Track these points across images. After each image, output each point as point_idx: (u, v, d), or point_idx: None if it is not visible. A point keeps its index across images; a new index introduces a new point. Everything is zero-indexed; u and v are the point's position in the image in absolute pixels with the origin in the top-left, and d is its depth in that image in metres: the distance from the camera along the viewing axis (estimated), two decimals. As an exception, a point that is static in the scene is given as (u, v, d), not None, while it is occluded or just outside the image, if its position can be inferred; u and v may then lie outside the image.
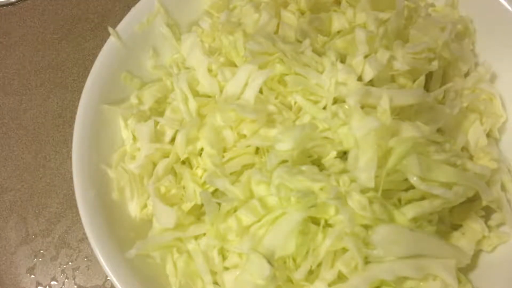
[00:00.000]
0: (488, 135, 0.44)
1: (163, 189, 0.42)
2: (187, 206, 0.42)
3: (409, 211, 0.38)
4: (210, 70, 0.46)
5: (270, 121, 0.42)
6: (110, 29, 0.46)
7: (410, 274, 0.36)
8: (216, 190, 0.41)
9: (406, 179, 0.38)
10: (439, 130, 0.42)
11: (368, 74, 0.43)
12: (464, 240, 0.39)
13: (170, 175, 0.43)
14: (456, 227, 0.40)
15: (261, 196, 0.39)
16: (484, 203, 0.40)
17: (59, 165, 0.55)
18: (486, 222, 0.40)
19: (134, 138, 0.45)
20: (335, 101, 0.42)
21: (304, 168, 0.39)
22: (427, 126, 0.40)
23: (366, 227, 0.37)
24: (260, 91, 0.43)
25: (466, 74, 0.46)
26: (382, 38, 0.45)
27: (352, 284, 0.36)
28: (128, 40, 0.47)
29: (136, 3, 0.48)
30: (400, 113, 0.42)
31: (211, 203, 0.40)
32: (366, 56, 0.43)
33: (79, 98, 0.44)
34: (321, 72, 0.43)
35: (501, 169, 0.42)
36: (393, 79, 0.44)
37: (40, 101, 0.58)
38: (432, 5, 0.49)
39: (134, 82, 0.47)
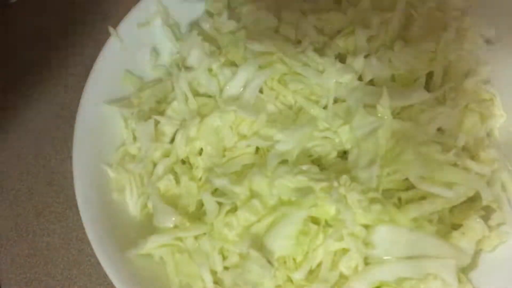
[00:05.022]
0: (488, 135, 0.44)
1: (163, 189, 0.42)
2: (187, 206, 0.42)
3: (409, 211, 0.38)
4: (210, 70, 0.46)
5: (270, 121, 0.42)
6: (111, 29, 0.46)
7: (410, 274, 0.36)
8: (216, 190, 0.41)
9: (407, 179, 0.39)
10: (439, 130, 0.42)
11: (368, 74, 0.43)
12: (464, 240, 0.39)
13: (170, 175, 0.43)
14: (456, 227, 0.40)
15: (261, 196, 0.39)
16: (484, 203, 0.40)
17: (59, 165, 0.55)
18: (486, 222, 0.40)
19: (134, 138, 0.45)
20: (336, 100, 0.42)
21: (304, 167, 0.39)
22: (428, 126, 0.40)
23: (366, 227, 0.37)
24: (260, 91, 0.44)
25: (466, 74, 0.46)
26: (382, 38, 0.45)
27: (352, 285, 0.36)
28: (128, 40, 0.47)
29: (136, 3, 0.48)
30: (401, 113, 0.42)
31: (211, 203, 0.40)
32: (366, 56, 0.43)
33: (79, 98, 0.44)
34: (321, 72, 0.43)
35: (501, 169, 0.42)
36: (393, 79, 0.44)
37: (40, 100, 0.58)
38: (433, 5, 0.49)
39: (134, 82, 0.47)
